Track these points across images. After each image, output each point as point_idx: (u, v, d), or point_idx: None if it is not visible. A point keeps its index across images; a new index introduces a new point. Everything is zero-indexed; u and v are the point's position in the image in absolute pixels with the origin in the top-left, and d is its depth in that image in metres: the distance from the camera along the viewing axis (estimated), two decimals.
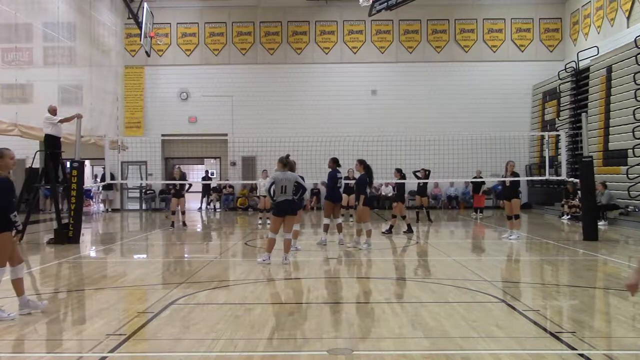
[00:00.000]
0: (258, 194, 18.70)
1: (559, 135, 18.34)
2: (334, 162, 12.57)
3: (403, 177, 15.27)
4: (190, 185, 18.15)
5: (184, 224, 16.91)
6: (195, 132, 24.71)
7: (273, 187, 9.99)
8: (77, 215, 13.23)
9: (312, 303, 7.09)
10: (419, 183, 17.82)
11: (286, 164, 10.18)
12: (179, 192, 16.76)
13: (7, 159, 6.37)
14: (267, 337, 5.59)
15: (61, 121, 13.43)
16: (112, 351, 5.16)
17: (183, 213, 16.98)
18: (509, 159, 14.38)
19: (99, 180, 24.94)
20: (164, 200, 25.70)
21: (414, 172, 17.51)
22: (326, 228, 12.67)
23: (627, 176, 17.40)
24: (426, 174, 17.76)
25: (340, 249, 12.05)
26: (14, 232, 6.32)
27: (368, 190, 11.98)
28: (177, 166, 18.29)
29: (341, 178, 12.64)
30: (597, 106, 20.59)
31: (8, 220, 6.23)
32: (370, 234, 12.01)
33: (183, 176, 17.25)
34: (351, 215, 18.08)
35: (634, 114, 17.57)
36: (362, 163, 12.06)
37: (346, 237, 13.10)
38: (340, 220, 13.01)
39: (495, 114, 25.09)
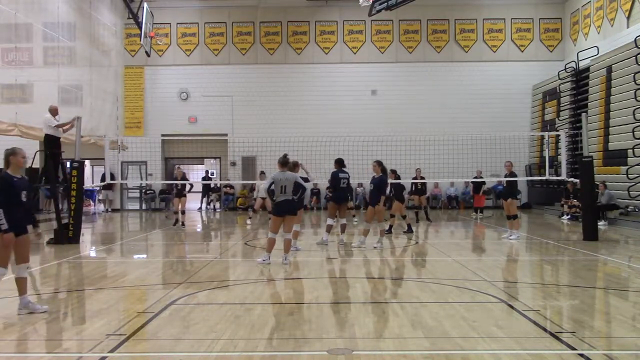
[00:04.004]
0: (255, 196, 18.74)
1: (559, 135, 18.33)
2: (338, 164, 12.59)
3: (398, 177, 15.29)
4: (192, 185, 18.29)
5: (183, 223, 17.01)
6: (195, 132, 24.69)
7: (272, 187, 9.98)
8: (77, 215, 13.23)
9: (312, 303, 7.08)
10: (415, 184, 17.88)
11: (285, 163, 10.17)
12: (181, 192, 16.97)
13: (19, 157, 6.56)
14: (267, 337, 5.60)
15: (58, 126, 13.35)
16: (112, 351, 5.17)
17: (183, 213, 17.16)
18: (509, 159, 14.38)
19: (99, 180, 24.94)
20: (164, 200, 25.73)
21: (413, 179, 17.74)
22: (329, 229, 12.64)
23: (627, 176, 17.39)
24: (420, 174, 17.94)
25: (341, 249, 12.05)
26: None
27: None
28: (177, 166, 18.38)
29: (343, 179, 12.61)
30: (597, 106, 20.59)
31: (9, 221, 6.25)
32: (383, 233, 12.34)
33: (184, 176, 17.43)
34: (354, 216, 18.12)
35: (634, 114, 17.57)
36: (380, 164, 12.11)
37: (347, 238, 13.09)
38: (344, 220, 13.00)
39: (495, 114, 25.09)
